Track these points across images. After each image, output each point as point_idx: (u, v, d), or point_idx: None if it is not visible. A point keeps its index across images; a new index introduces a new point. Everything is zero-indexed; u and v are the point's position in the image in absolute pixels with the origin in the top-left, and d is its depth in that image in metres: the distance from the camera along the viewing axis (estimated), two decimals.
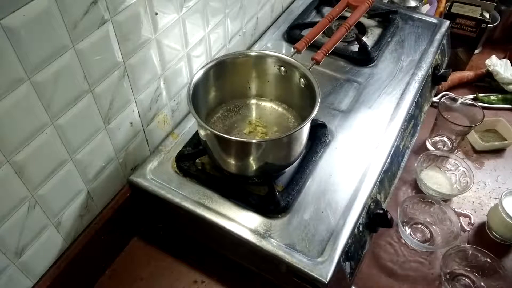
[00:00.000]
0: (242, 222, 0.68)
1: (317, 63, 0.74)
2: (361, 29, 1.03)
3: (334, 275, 0.62)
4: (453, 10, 1.12)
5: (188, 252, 0.80)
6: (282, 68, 0.75)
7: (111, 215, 0.73)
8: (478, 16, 1.10)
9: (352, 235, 0.67)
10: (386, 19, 1.04)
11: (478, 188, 0.94)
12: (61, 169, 0.61)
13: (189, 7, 0.72)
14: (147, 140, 0.77)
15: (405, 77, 0.91)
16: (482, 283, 0.77)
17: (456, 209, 0.89)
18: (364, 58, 0.93)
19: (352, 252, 0.68)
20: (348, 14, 0.81)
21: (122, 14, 0.58)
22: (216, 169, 0.74)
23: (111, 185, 0.73)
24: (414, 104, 0.87)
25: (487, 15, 1.13)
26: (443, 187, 0.92)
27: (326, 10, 1.11)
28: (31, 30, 0.47)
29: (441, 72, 1.00)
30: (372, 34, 1.02)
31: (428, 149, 1.00)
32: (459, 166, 0.92)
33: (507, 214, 0.80)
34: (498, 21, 1.22)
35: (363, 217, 0.70)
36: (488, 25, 1.11)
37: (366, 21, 1.05)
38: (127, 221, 0.79)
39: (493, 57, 1.15)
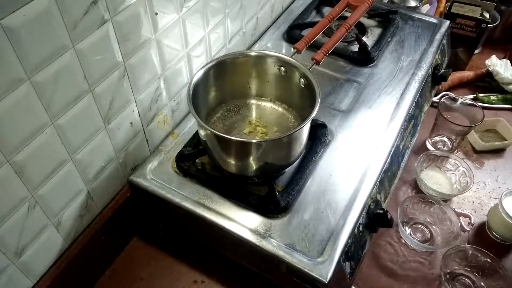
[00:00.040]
0: (242, 222, 0.68)
1: (317, 63, 0.74)
2: (361, 29, 1.03)
3: (334, 275, 0.62)
4: (453, 10, 1.12)
5: (188, 252, 0.80)
6: (282, 68, 0.75)
7: (111, 215, 0.73)
8: (478, 16, 1.10)
9: (352, 235, 0.67)
10: (386, 19, 1.04)
11: (478, 188, 0.94)
12: (61, 169, 0.61)
13: (189, 7, 0.72)
14: (147, 140, 0.77)
15: (405, 77, 0.91)
16: (482, 283, 0.77)
17: (456, 209, 0.89)
18: (364, 58, 0.93)
19: (352, 252, 0.68)
20: (348, 14, 0.81)
21: (122, 14, 0.58)
22: (216, 169, 0.74)
23: (111, 185, 0.73)
24: (414, 104, 0.87)
25: (487, 15, 1.13)
26: (443, 187, 0.92)
27: (326, 10, 1.11)
28: (31, 30, 0.47)
29: (441, 72, 1.00)
30: (372, 34, 1.02)
31: (428, 149, 1.00)
32: (459, 166, 0.92)
33: (507, 214, 0.80)
34: (498, 21, 1.22)
35: (363, 217, 0.70)
36: (488, 25, 1.11)
37: (366, 21, 1.05)
38: (127, 221, 0.79)
39: (493, 57, 1.15)
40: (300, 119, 0.78)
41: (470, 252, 0.79)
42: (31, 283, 0.64)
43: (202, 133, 0.69)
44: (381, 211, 0.71)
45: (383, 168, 0.75)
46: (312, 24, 0.89)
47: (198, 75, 0.70)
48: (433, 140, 1.01)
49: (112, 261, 0.79)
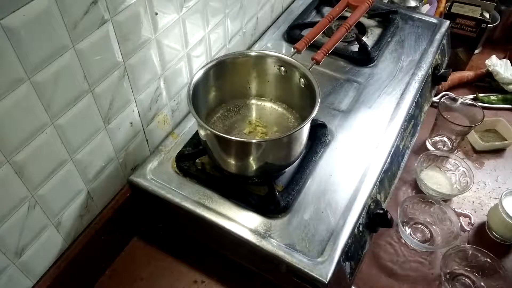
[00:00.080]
0: (242, 222, 0.68)
1: (317, 63, 0.74)
2: (361, 29, 1.03)
3: (334, 275, 0.62)
4: (453, 10, 1.12)
5: (188, 252, 0.80)
6: (282, 68, 0.75)
7: (111, 215, 0.73)
8: (478, 16, 1.10)
9: (352, 235, 0.67)
10: (386, 19, 1.04)
11: (478, 188, 0.94)
12: (61, 169, 0.61)
13: (189, 7, 0.72)
14: (147, 140, 0.77)
15: (405, 77, 0.91)
16: (482, 283, 0.77)
17: (456, 209, 0.89)
18: (364, 58, 0.93)
19: (352, 252, 0.68)
20: (348, 14, 0.81)
21: (122, 14, 0.58)
22: (216, 169, 0.74)
23: (111, 185, 0.73)
24: (414, 104, 0.87)
25: (487, 15, 1.13)
26: (443, 187, 0.92)
27: (326, 10, 1.11)
28: (31, 30, 0.47)
29: (441, 72, 1.00)
30: (372, 34, 1.02)
31: (428, 149, 1.00)
32: (459, 166, 0.92)
33: (507, 214, 0.80)
34: (498, 21, 1.22)
35: (363, 217, 0.70)
36: (488, 25, 1.11)
37: (366, 21, 1.05)
38: (127, 221, 0.79)
39: (493, 57, 1.15)
40: (300, 119, 0.78)
41: (470, 252, 0.79)
42: (31, 283, 0.64)
43: (202, 133, 0.69)
44: (381, 211, 0.71)
45: (383, 168, 0.75)
46: (312, 24, 0.89)
47: (198, 75, 0.70)
48: (433, 140, 1.01)
49: (112, 261, 0.79)
